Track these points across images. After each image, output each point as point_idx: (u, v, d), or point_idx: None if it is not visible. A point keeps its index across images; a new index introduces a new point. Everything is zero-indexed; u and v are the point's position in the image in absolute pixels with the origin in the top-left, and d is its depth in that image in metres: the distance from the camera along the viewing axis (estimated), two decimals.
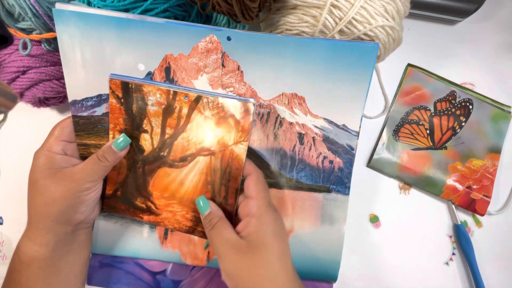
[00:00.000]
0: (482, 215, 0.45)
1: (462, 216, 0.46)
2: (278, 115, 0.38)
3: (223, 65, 0.36)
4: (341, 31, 0.36)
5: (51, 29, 0.37)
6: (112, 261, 0.40)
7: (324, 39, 0.36)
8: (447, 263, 0.45)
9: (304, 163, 0.38)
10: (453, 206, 0.45)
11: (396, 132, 0.46)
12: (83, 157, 0.35)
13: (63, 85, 0.40)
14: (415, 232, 0.45)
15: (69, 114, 0.38)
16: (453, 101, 0.45)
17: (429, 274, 0.44)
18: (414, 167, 0.45)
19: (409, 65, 0.48)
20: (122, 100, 0.35)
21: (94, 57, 0.34)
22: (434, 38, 0.49)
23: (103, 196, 0.38)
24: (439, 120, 0.46)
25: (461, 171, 0.45)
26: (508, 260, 0.45)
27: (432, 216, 0.46)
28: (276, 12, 0.38)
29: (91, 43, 0.34)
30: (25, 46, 0.37)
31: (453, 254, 0.45)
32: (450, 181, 0.45)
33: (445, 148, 0.45)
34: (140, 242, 0.39)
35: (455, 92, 0.46)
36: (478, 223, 0.46)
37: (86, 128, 0.36)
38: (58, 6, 0.33)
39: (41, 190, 0.32)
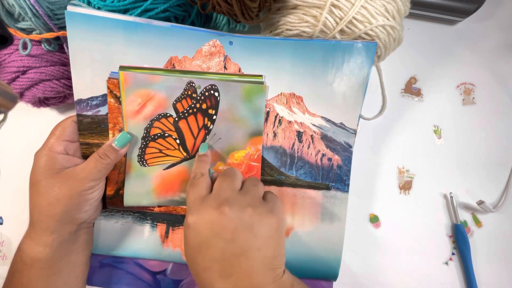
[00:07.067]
0: None
1: (462, 216, 0.46)
2: (277, 114, 0.38)
3: (225, 67, 0.37)
4: (341, 31, 0.36)
5: (51, 29, 0.37)
6: (112, 261, 0.40)
7: (321, 40, 0.36)
8: (446, 263, 0.45)
9: (303, 161, 0.39)
10: (454, 205, 0.45)
11: (141, 157, 0.37)
12: (85, 157, 0.36)
13: (63, 85, 0.41)
14: (415, 232, 0.45)
15: (69, 114, 0.38)
16: (194, 95, 0.36)
17: (428, 274, 0.44)
18: (172, 188, 0.38)
19: (121, 68, 0.36)
20: (120, 100, 0.35)
21: (102, 57, 0.35)
22: (434, 38, 0.49)
23: (104, 197, 0.38)
24: (186, 124, 0.37)
25: None
26: (507, 259, 0.45)
27: (432, 216, 0.46)
28: (276, 12, 0.38)
29: (100, 45, 0.35)
30: (25, 46, 0.37)
31: (453, 254, 0.45)
32: None
33: None
34: (140, 241, 0.39)
35: (193, 83, 0.36)
36: (478, 223, 0.45)
37: (90, 127, 0.37)
38: (70, 8, 0.34)
39: (44, 190, 0.33)
